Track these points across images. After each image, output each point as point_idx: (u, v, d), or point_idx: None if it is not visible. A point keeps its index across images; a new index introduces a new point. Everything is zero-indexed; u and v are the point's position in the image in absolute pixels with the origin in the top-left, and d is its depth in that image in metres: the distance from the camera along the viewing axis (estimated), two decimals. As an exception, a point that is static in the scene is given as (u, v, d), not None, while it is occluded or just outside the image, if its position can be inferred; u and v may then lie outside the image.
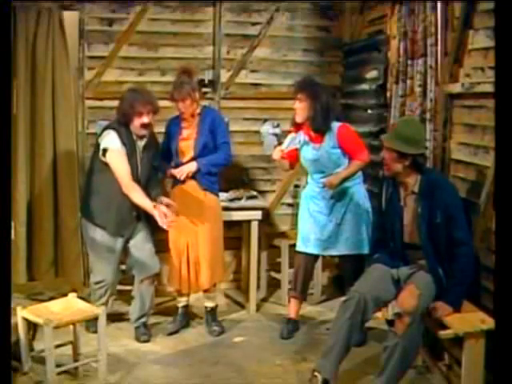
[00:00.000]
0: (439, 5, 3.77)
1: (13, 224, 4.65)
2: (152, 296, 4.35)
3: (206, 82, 5.08)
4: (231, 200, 4.77)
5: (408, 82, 4.13)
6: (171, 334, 4.39)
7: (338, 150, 4.13)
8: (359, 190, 4.24)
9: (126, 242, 4.21)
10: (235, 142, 5.01)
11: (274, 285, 5.19)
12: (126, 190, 3.93)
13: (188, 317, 4.57)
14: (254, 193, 5.01)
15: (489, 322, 3.11)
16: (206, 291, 4.44)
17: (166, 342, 4.29)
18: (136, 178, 4.03)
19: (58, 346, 3.52)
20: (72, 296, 3.75)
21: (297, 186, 5.37)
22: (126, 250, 4.23)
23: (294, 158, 4.31)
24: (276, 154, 4.16)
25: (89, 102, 5.02)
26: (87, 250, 4.38)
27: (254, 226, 4.73)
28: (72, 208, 4.81)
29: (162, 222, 3.79)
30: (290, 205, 5.45)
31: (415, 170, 3.39)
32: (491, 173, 3.27)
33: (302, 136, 4.21)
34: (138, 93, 4.10)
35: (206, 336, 4.40)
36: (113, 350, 4.00)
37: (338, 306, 3.54)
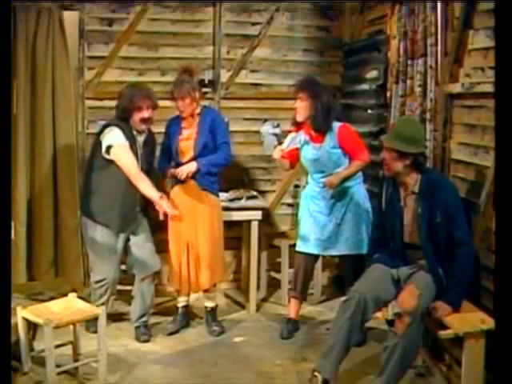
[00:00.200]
0: (439, 5, 3.77)
1: (13, 224, 4.64)
2: (152, 295, 4.36)
3: (206, 82, 5.08)
4: (231, 200, 4.77)
5: (408, 82, 4.13)
6: (171, 333, 4.39)
7: (339, 150, 4.14)
8: (359, 190, 4.24)
9: (127, 240, 4.21)
10: (235, 142, 5.01)
11: (274, 285, 5.19)
12: (134, 181, 3.95)
13: (188, 317, 4.57)
14: (254, 193, 5.01)
15: (489, 322, 3.11)
16: (205, 291, 4.44)
17: (166, 342, 4.29)
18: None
19: (58, 346, 3.52)
20: (72, 296, 3.75)
21: (297, 186, 5.37)
22: (126, 249, 4.24)
23: (294, 157, 4.31)
24: (276, 154, 4.16)
25: (89, 102, 5.02)
26: (87, 249, 4.38)
27: (254, 226, 4.73)
28: (72, 208, 4.81)
29: (168, 211, 3.93)
30: (290, 205, 5.45)
31: (415, 169, 3.39)
32: (491, 173, 3.27)
33: (302, 135, 4.21)
34: (137, 88, 4.14)
35: (206, 336, 4.40)
36: (113, 350, 4.00)
37: (338, 306, 3.54)
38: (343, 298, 3.59)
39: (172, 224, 4.36)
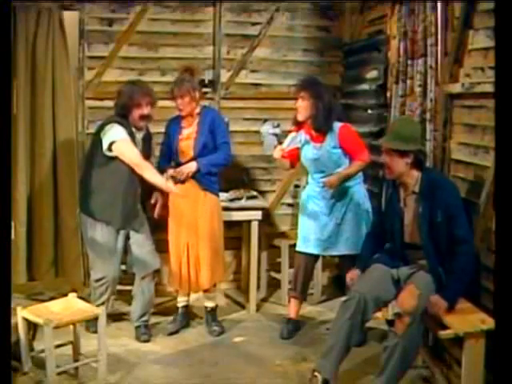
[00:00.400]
0: (439, 5, 3.77)
1: (13, 224, 4.64)
2: (153, 293, 4.36)
3: (206, 81, 5.08)
4: (231, 200, 4.77)
5: (408, 81, 4.13)
6: (171, 334, 4.39)
7: (339, 150, 4.14)
8: (359, 190, 4.24)
9: (127, 238, 4.20)
10: (235, 142, 5.01)
11: (274, 285, 5.19)
12: (139, 170, 3.97)
13: (188, 317, 4.57)
14: (254, 193, 5.01)
15: (489, 322, 3.11)
16: (206, 291, 4.44)
17: (166, 341, 4.29)
18: (132, 169, 4.04)
19: (58, 346, 3.52)
20: (72, 296, 3.75)
21: (297, 186, 5.37)
22: (126, 248, 4.23)
23: (294, 157, 4.31)
24: (277, 153, 4.16)
25: (89, 102, 5.02)
26: (87, 247, 4.36)
27: (254, 226, 4.73)
28: (72, 208, 4.80)
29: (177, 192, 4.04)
30: (290, 205, 5.45)
31: (416, 168, 3.39)
32: (491, 173, 3.27)
33: (302, 135, 4.21)
34: (136, 85, 4.16)
35: (206, 336, 4.40)
36: (113, 350, 4.00)
37: (338, 306, 3.54)
38: (343, 298, 3.59)
39: (172, 224, 4.37)
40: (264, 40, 5.26)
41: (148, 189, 4.56)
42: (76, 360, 3.67)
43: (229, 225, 4.69)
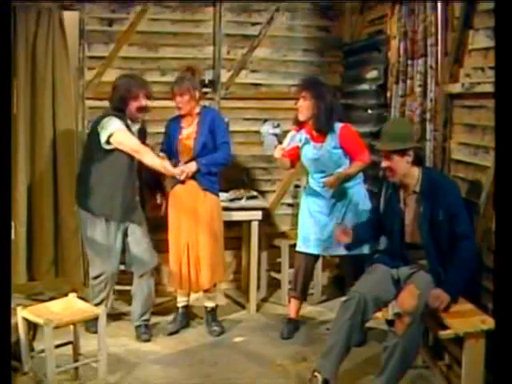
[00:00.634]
0: (439, 5, 3.77)
1: (13, 224, 4.64)
2: (152, 291, 4.36)
3: (206, 82, 5.08)
4: (231, 200, 4.77)
5: (408, 82, 4.13)
6: (171, 334, 4.39)
7: (340, 150, 4.14)
8: (359, 190, 4.24)
9: (125, 235, 4.20)
10: (235, 142, 5.01)
11: (274, 285, 5.19)
12: (139, 156, 4.01)
13: (188, 317, 4.57)
14: (254, 193, 5.01)
15: (489, 322, 3.11)
16: (206, 291, 4.44)
17: (166, 341, 4.29)
18: (131, 162, 4.06)
19: (58, 346, 3.52)
20: (72, 296, 3.75)
21: (297, 186, 5.37)
22: (124, 247, 4.22)
23: (294, 156, 4.31)
24: (277, 153, 4.16)
25: (89, 102, 5.02)
26: (85, 244, 4.35)
27: (254, 226, 4.73)
28: (72, 208, 4.77)
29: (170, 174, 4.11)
30: (290, 205, 5.45)
31: (416, 166, 3.39)
32: (491, 173, 3.27)
33: (303, 134, 4.21)
34: (132, 78, 4.19)
35: (206, 336, 4.40)
36: (113, 350, 4.00)
37: (339, 307, 3.54)
38: (343, 298, 3.59)
39: (172, 224, 4.37)
40: (264, 40, 5.26)
41: (148, 189, 4.59)
42: (76, 360, 3.67)
43: (229, 225, 4.69)
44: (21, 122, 4.76)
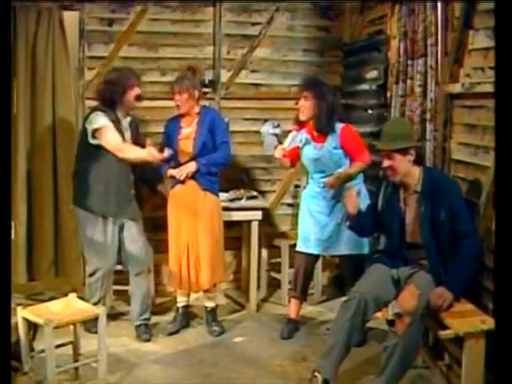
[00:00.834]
0: (439, 5, 3.77)
1: (13, 224, 4.64)
2: (149, 288, 4.36)
3: (206, 82, 5.08)
4: (231, 200, 4.77)
5: (408, 82, 4.13)
6: (171, 334, 4.39)
7: (340, 151, 4.14)
8: (360, 190, 4.22)
9: (121, 231, 4.19)
10: (235, 142, 5.02)
11: (274, 285, 5.19)
12: (121, 154, 3.98)
13: (188, 317, 4.57)
14: (254, 193, 5.01)
15: (489, 322, 3.11)
16: (206, 291, 4.44)
17: (166, 341, 4.29)
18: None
19: (58, 346, 3.52)
20: (72, 296, 3.74)
21: (297, 186, 5.37)
22: (120, 246, 4.22)
23: (295, 156, 4.31)
24: (278, 153, 4.17)
25: (89, 102, 5.00)
26: (82, 242, 4.35)
27: (254, 226, 4.73)
28: (72, 208, 4.81)
29: (158, 159, 3.98)
30: (290, 205, 5.44)
31: (417, 166, 3.40)
32: (491, 173, 3.27)
33: (304, 134, 4.21)
34: (121, 70, 4.24)
35: (206, 336, 4.40)
36: (113, 350, 4.00)
37: (339, 307, 3.54)
38: (344, 299, 3.59)
39: (172, 224, 4.37)
40: (264, 40, 5.26)
41: (146, 186, 4.59)
42: (76, 360, 3.67)
43: (229, 225, 4.69)
44: (21, 122, 4.76)
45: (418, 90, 3.97)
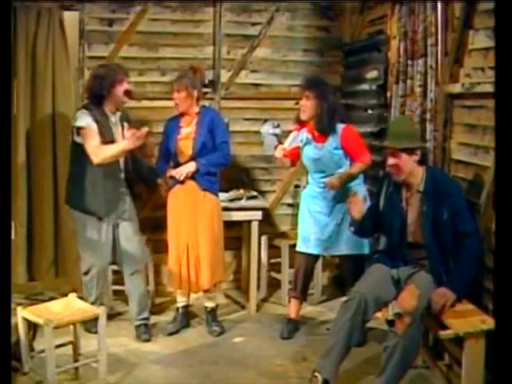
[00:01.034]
0: (439, 5, 3.77)
1: (13, 224, 4.65)
2: (147, 286, 4.36)
3: (206, 82, 5.07)
4: (231, 200, 4.77)
5: (408, 82, 4.13)
6: (171, 334, 4.39)
7: (341, 151, 4.14)
8: (360, 190, 4.22)
9: (116, 230, 4.19)
10: (235, 142, 5.02)
11: (274, 285, 5.19)
12: (95, 159, 3.94)
13: (188, 317, 4.57)
14: (254, 193, 5.01)
15: (489, 322, 3.11)
16: (206, 291, 4.44)
17: (166, 341, 4.29)
18: None
19: (58, 346, 3.52)
20: (72, 296, 3.75)
21: (297, 186, 5.37)
22: (114, 244, 4.21)
23: (295, 155, 4.31)
24: (278, 153, 4.17)
25: (89, 102, 5.02)
26: (77, 241, 4.36)
27: (254, 226, 4.73)
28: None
29: (137, 139, 3.84)
30: (290, 205, 5.44)
31: (420, 165, 3.40)
32: (491, 173, 3.28)
33: (304, 134, 4.21)
34: (109, 65, 4.27)
35: (206, 336, 4.40)
36: (113, 350, 4.00)
37: (339, 307, 3.53)
38: (344, 299, 3.59)
39: (171, 224, 4.36)
40: (264, 40, 5.26)
41: (146, 189, 4.59)
42: (76, 360, 3.67)
43: (229, 225, 4.69)
44: (21, 122, 4.75)
45: (418, 89, 3.97)
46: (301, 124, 4.23)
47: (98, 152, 3.94)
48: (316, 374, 3.42)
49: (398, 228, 3.47)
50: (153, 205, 5.03)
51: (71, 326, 3.62)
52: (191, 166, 4.24)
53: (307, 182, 4.45)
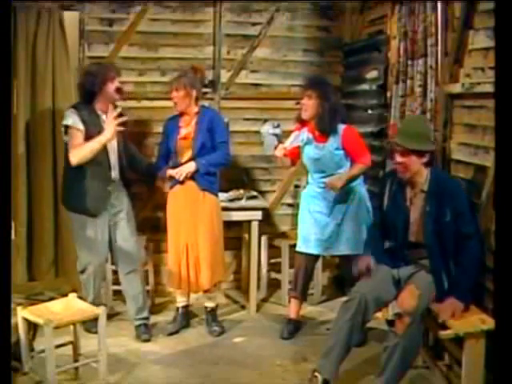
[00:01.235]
0: (439, 5, 3.77)
1: (13, 224, 4.65)
2: (143, 285, 4.35)
3: (206, 82, 5.07)
4: (231, 200, 4.76)
5: (408, 82, 4.13)
6: (171, 334, 4.39)
7: (341, 152, 4.13)
8: (360, 190, 4.24)
9: (112, 229, 4.19)
10: (235, 142, 5.02)
11: (274, 285, 5.19)
12: (73, 159, 3.97)
13: (188, 317, 4.56)
14: (254, 193, 5.00)
15: (489, 322, 3.11)
16: (206, 291, 4.44)
17: (166, 342, 4.29)
18: (105, 150, 4.05)
19: (58, 346, 3.52)
20: (72, 296, 3.75)
21: (297, 187, 5.37)
22: (110, 243, 4.22)
23: (295, 154, 4.31)
24: (279, 152, 4.17)
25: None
26: (74, 239, 4.37)
27: (254, 227, 4.73)
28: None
29: (115, 125, 3.90)
30: (290, 205, 5.44)
31: (427, 166, 3.40)
32: (491, 173, 3.28)
33: (305, 134, 4.21)
34: (101, 64, 4.27)
35: (206, 336, 4.40)
36: (113, 350, 3.99)
37: (339, 307, 3.53)
38: (344, 299, 3.58)
39: (171, 225, 4.36)
40: (264, 40, 5.26)
41: (146, 189, 4.59)
42: (76, 360, 3.67)
43: (229, 225, 4.69)
44: (21, 122, 4.75)
45: (418, 90, 3.97)
46: (302, 123, 4.23)
47: (75, 152, 3.97)
48: (316, 374, 3.42)
49: (402, 227, 3.46)
50: (153, 205, 5.03)
51: (71, 326, 3.62)
52: (191, 166, 4.23)
53: (307, 182, 4.45)
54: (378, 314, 3.60)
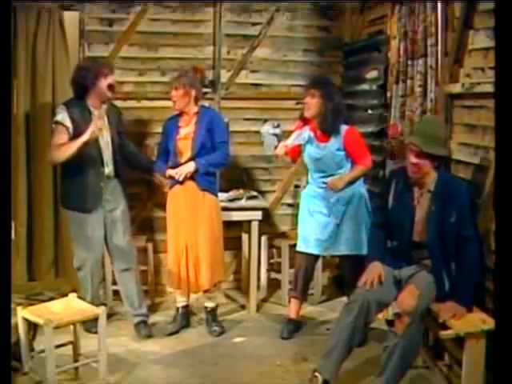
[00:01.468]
0: (439, 5, 3.77)
1: (13, 224, 4.65)
2: (137, 283, 4.35)
3: (206, 82, 5.07)
4: (231, 200, 4.76)
5: (408, 82, 4.13)
6: (171, 334, 4.39)
7: (343, 153, 4.13)
8: (360, 191, 4.23)
9: (107, 227, 4.20)
10: (235, 142, 5.02)
11: (274, 285, 5.19)
12: (52, 157, 4.05)
13: (188, 317, 4.56)
14: (254, 193, 5.00)
15: (489, 323, 3.11)
16: (206, 291, 4.44)
17: (166, 342, 4.29)
18: (98, 147, 4.06)
19: (58, 346, 3.52)
20: (72, 296, 3.75)
21: (297, 186, 5.37)
22: (106, 240, 4.23)
23: (296, 153, 4.32)
24: (280, 150, 4.17)
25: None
26: (71, 237, 4.38)
27: (254, 227, 4.73)
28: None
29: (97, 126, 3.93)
30: (290, 205, 5.45)
31: (436, 167, 3.40)
32: (491, 173, 3.27)
33: (307, 132, 4.20)
34: (94, 60, 4.35)
35: (206, 336, 4.40)
36: (113, 350, 3.99)
37: (342, 308, 3.53)
38: (344, 299, 3.58)
39: (171, 225, 4.36)
40: (264, 40, 5.26)
41: (145, 188, 4.59)
42: (76, 360, 3.67)
43: (229, 225, 4.69)
44: (21, 122, 4.75)
45: (418, 90, 3.97)
46: (304, 121, 4.23)
47: (56, 151, 3.99)
48: (316, 374, 3.42)
49: (408, 227, 3.45)
50: (152, 205, 5.04)
51: (71, 326, 3.62)
52: (190, 166, 4.23)
53: (307, 182, 4.45)
54: (379, 315, 3.60)
